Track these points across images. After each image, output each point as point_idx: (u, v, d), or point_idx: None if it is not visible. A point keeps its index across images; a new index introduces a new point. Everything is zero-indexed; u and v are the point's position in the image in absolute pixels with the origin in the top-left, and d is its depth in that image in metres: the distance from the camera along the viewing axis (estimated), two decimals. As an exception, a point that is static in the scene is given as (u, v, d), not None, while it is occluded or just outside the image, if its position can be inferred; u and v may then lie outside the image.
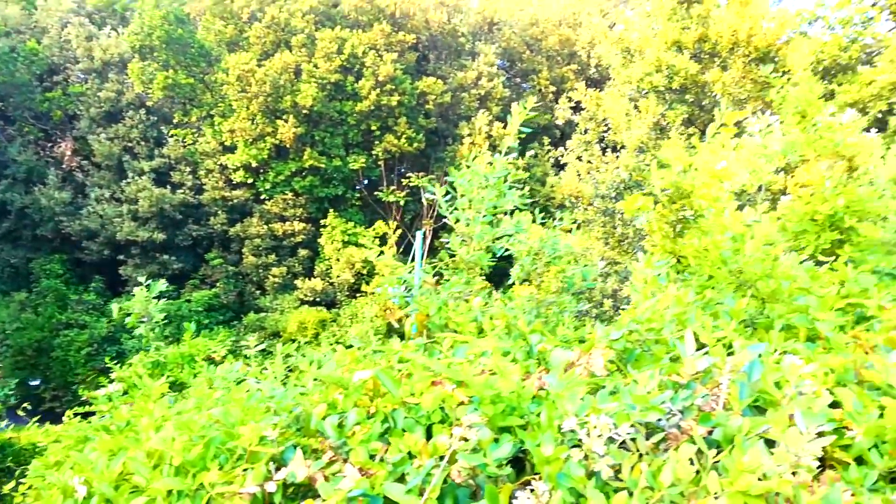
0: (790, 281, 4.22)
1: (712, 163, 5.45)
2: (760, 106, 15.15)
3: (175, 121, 29.90)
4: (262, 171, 29.41)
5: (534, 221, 6.23)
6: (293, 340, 25.81)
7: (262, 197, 29.66)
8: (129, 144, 29.66)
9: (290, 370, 3.43)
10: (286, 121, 27.83)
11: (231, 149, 28.97)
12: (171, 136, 30.23)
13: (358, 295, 26.56)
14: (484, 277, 5.34)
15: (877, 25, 23.51)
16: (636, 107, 16.23)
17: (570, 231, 5.70)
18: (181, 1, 28.92)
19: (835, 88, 21.25)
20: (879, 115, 21.36)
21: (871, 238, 5.87)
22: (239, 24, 28.26)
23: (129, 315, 5.64)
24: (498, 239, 5.41)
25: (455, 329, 3.97)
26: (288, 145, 28.52)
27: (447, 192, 5.20)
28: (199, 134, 29.91)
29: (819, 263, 6.31)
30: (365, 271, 27.11)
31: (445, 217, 5.23)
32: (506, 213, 5.43)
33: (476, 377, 2.09)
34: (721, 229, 4.72)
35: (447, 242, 5.13)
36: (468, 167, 5.02)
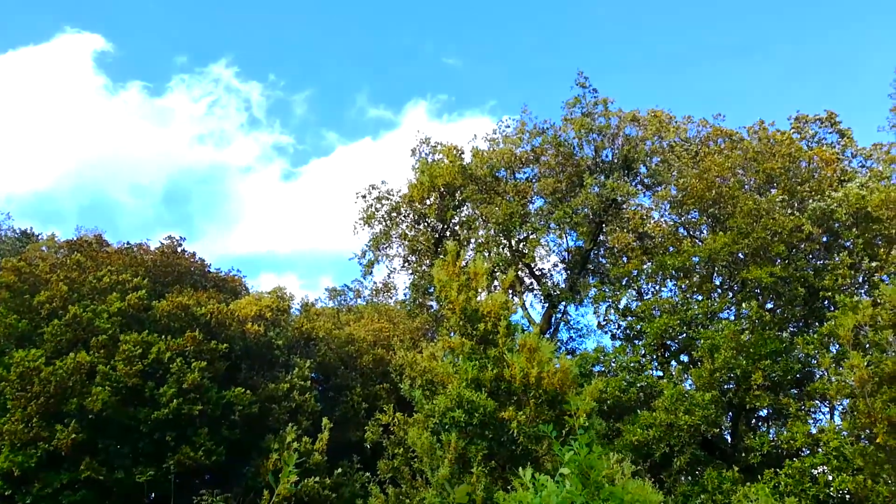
0: None
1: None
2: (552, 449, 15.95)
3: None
4: (26, 481, 25.47)
5: None
6: None
7: (19, 513, 25.26)
8: None
9: None
10: (67, 425, 25.10)
11: (-7, 454, 25.14)
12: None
13: None
14: None
15: (651, 370, 26.83)
16: (439, 440, 16.44)
17: None
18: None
19: (620, 427, 23.17)
20: (666, 452, 23.26)
21: None
22: (36, 319, 26.60)
23: None
24: None
25: None
26: (64, 453, 25.35)
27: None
28: (-43, 434, 25.93)
29: None
30: None
31: None
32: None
33: None
34: None
35: None
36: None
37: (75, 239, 32.68)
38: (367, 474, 26.28)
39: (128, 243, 33.18)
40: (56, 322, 26.51)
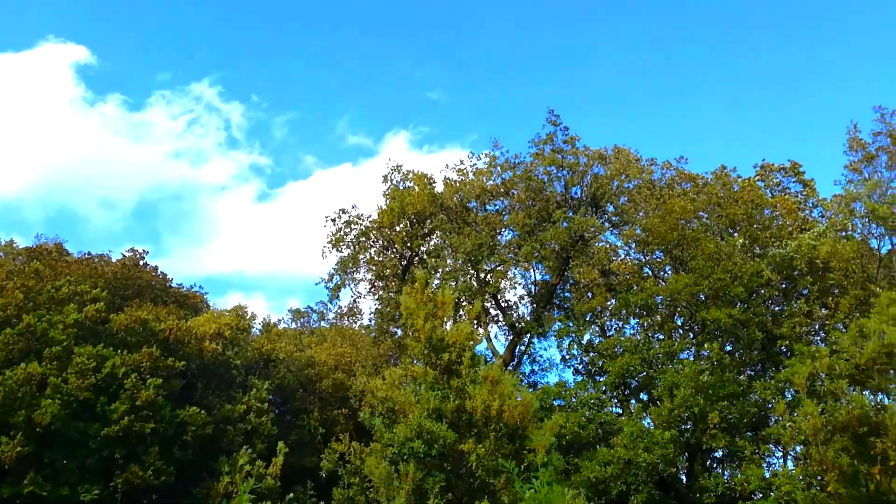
0: None
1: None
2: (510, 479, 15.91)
3: None
4: (-37, 495, 24.53)
5: None
6: None
7: (-47, 530, 24.26)
8: None
9: None
10: (13, 437, 24.32)
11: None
12: None
13: None
14: None
15: (611, 407, 26.97)
16: (397, 470, 16.26)
17: None
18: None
19: (579, 462, 23.19)
20: (623, 490, 23.25)
21: None
22: (-13, 328, 25.81)
23: None
24: None
25: None
26: (8, 466, 24.52)
27: None
28: None
29: None
30: None
31: None
32: None
33: None
34: None
35: None
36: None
37: (34, 246, 31.88)
38: (321, 502, 25.77)
39: (89, 254, 32.49)
40: (9, 331, 25.73)
